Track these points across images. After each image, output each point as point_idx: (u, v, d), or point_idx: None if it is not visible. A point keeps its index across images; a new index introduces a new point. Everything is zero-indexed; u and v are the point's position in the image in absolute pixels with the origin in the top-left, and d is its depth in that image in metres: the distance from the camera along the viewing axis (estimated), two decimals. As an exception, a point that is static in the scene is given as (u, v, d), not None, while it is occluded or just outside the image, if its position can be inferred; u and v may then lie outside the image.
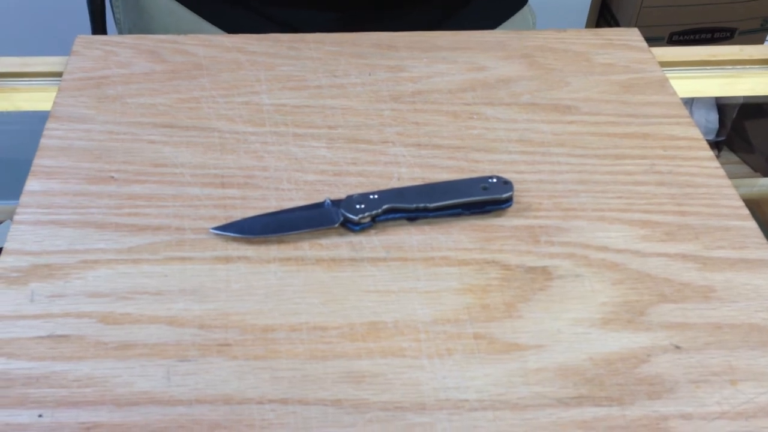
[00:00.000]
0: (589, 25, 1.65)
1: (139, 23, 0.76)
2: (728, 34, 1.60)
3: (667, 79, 0.61)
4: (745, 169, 1.66)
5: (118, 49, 0.62)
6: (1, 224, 0.72)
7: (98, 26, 0.80)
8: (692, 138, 0.56)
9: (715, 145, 1.65)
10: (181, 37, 0.63)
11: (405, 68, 0.62)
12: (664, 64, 0.65)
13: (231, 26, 0.71)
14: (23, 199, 0.49)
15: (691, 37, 1.60)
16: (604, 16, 1.66)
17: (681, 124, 0.57)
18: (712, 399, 0.40)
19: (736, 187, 0.52)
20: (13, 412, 0.38)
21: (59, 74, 0.61)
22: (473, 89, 0.60)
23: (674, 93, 0.60)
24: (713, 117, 1.62)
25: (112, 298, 0.44)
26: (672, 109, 0.58)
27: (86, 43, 0.62)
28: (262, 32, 0.65)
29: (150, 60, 0.61)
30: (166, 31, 0.73)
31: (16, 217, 0.48)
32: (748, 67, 0.68)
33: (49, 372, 0.40)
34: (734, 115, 1.61)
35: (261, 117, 0.56)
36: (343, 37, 0.64)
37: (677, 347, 0.42)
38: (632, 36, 0.66)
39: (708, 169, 0.53)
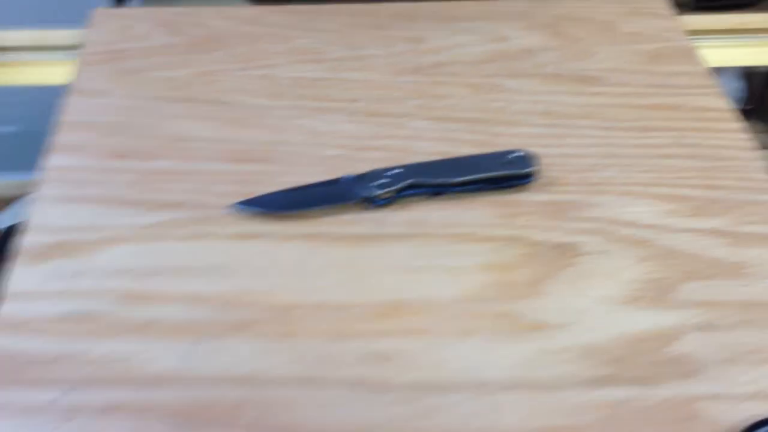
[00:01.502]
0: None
1: None
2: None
3: (694, 48, 0.60)
4: (771, 137, 1.62)
5: (136, 22, 0.61)
6: (23, 198, 0.72)
7: None
8: (721, 109, 0.55)
9: (741, 114, 1.62)
10: (198, 9, 0.62)
11: (425, 39, 0.60)
12: (691, 33, 0.63)
13: None
14: (45, 174, 0.49)
15: (718, 1, 1.56)
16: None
17: (710, 95, 0.56)
18: (743, 379, 0.39)
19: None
20: (37, 391, 0.38)
21: (77, 47, 0.60)
22: (495, 60, 0.58)
23: (702, 62, 0.58)
24: (739, 85, 1.59)
25: (134, 275, 0.43)
26: (700, 79, 0.57)
27: (104, 15, 0.62)
28: (286, 2, 0.64)
29: (168, 33, 0.60)
30: (187, 2, 0.72)
31: (38, 193, 0.48)
32: (779, 34, 0.66)
33: (71, 350, 0.40)
34: (761, 84, 1.58)
35: (280, 90, 0.55)
36: (361, 8, 0.63)
37: (707, 326, 0.41)
38: (659, 4, 0.64)
39: (738, 141, 0.52)
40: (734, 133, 0.53)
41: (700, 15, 0.66)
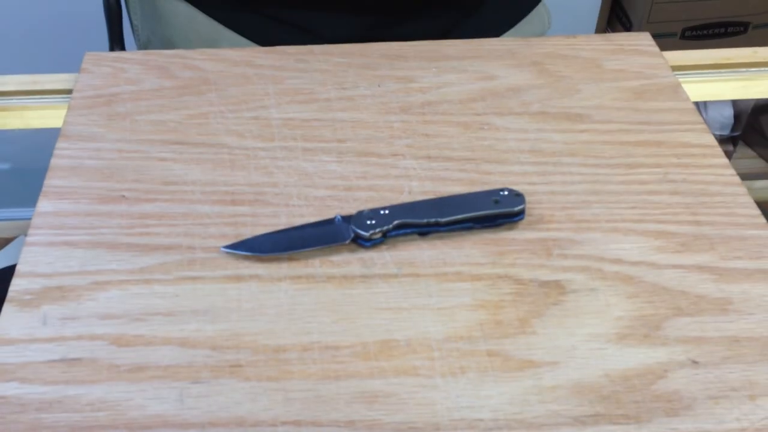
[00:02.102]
0: (600, 23, 1.64)
1: (157, 30, 0.76)
2: (742, 29, 1.59)
3: (679, 85, 0.61)
4: (761, 163, 1.64)
5: (128, 65, 0.62)
6: (15, 240, 0.72)
7: (115, 33, 0.80)
8: (706, 145, 0.55)
9: (731, 141, 1.63)
10: (189, 52, 0.63)
11: (414, 78, 0.61)
12: (676, 68, 0.64)
13: (248, 31, 0.71)
14: (35, 220, 0.49)
15: (705, 32, 1.58)
16: (615, 12, 1.65)
17: (695, 131, 0.56)
18: (731, 415, 0.39)
19: (754, 189, 0.52)
20: (27, 439, 0.38)
21: (70, 91, 0.61)
22: (483, 99, 0.59)
23: (687, 99, 0.59)
24: (728, 112, 1.61)
25: (125, 319, 0.44)
26: (685, 116, 0.58)
27: (95, 60, 0.62)
28: (278, 36, 0.65)
29: (159, 76, 0.61)
30: (183, 37, 0.73)
31: (27, 239, 0.48)
32: (762, 69, 0.67)
33: (62, 396, 0.40)
34: (749, 110, 1.60)
35: (270, 132, 0.56)
36: (352, 48, 0.64)
37: (694, 362, 0.42)
38: (643, 41, 0.65)
39: (723, 177, 0.53)
40: (719, 168, 0.53)
41: (685, 51, 0.67)
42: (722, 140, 1.59)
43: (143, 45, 0.79)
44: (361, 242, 0.48)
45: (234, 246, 0.47)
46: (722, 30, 1.58)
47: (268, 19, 0.71)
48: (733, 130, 1.61)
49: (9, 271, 0.59)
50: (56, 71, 0.65)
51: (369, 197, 0.51)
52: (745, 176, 0.52)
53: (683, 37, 1.57)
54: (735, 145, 1.64)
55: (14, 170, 1.51)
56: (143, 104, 0.58)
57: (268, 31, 0.71)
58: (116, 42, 0.81)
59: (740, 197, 0.51)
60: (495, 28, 0.74)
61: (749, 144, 1.65)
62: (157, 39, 0.77)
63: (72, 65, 0.64)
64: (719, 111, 1.60)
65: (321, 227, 0.48)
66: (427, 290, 0.45)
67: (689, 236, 0.49)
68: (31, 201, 0.51)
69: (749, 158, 1.64)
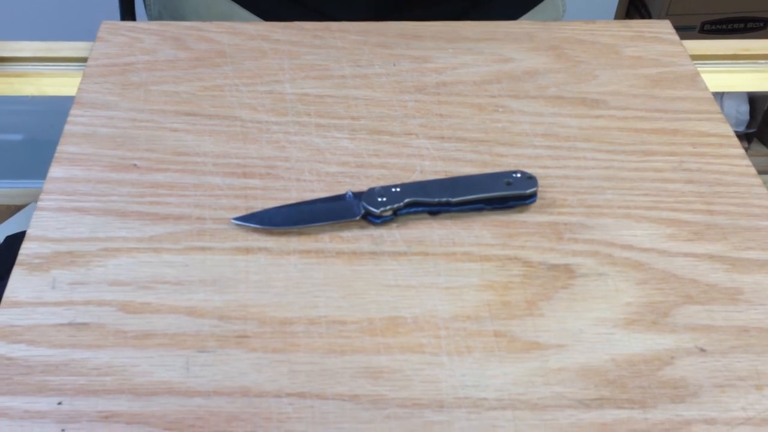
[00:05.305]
0: (619, 14, 1.62)
1: (168, 5, 0.76)
2: (761, 24, 1.57)
3: (698, 74, 0.60)
4: (776, 160, 1.63)
5: (143, 35, 0.62)
6: (27, 207, 0.72)
7: (127, 8, 0.80)
8: (723, 135, 0.55)
9: (746, 137, 1.62)
10: (205, 24, 0.63)
11: (430, 59, 0.61)
12: (695, 58, 0.64)
13: (260, 10, 0.71)
14: (46, 185, 0.49)
15: (724, 26, 1.57)
16: (634, 4, 1.63)
17: (712, 120, 0.56)
18: (736, 404, 0.39)
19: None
20: (33, 399, 0.38)
21: (85, 59, 0.61)
22: (499, 81, 0.59)
23: (705, 88, 0.59)
24: (744, 109, 1.59)
25: (133, 286, 0.44)
26: (702, 105, 0.57)
27: (111, 29, 0.62)
28: (290, 16, 0.64)
29: (174, 47, 0.60)
30: (195, 13, 0.73)
31: (39, 204, 0.48)
32: (782, 61, 0.66)
33: (68, 360, 0.40)
34: (765, 107, 1.59)
35: (284, 106, 0.56)
36: (368, 26, 0.64)
37: (702, 350, 0.41)
38: (663, 28, 0.65)
39: (738, 167, 0.52)
40: (735, 159, 0.53)
41: (704, 40, 0.67)
42: (737, 136, 1.58)
43: (154, 20, 0.79)
44: (371, 219, 0.48)
45: (244, 218, 0.47)
46: (741, 25, 1.57)
47: None
48: (748, 126, 1.60)
49: (19, 237, 0.60)
50: (72, 40, 0.65)
51: (380, 175, 0.51)
52: (759, 173, 0.52)
53: (702, 30, 1.56)
54: (750, 141, 1.63)
55: (25, 142, 1.51)
56: (157, 74, 0.58)
57: (280, 11, 0.70)
58: (128, 16, 0.80)
59: (755, 188, 0.51)
60: (507, 15, 0.73)
61: (764, 141, 1.64)
62: (168, 14, 0.76)
63: (86, 35, 0.64)
64: (734, 107, 1.59)
65: (332, 203, 0.48)
66: (435, 269, 0.45)
67: (702, 225, 0.48)
68: (41, 173, 0.51)
69: (764, 155, 1.63)
